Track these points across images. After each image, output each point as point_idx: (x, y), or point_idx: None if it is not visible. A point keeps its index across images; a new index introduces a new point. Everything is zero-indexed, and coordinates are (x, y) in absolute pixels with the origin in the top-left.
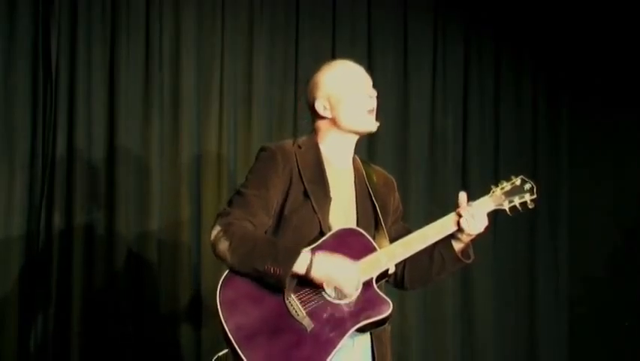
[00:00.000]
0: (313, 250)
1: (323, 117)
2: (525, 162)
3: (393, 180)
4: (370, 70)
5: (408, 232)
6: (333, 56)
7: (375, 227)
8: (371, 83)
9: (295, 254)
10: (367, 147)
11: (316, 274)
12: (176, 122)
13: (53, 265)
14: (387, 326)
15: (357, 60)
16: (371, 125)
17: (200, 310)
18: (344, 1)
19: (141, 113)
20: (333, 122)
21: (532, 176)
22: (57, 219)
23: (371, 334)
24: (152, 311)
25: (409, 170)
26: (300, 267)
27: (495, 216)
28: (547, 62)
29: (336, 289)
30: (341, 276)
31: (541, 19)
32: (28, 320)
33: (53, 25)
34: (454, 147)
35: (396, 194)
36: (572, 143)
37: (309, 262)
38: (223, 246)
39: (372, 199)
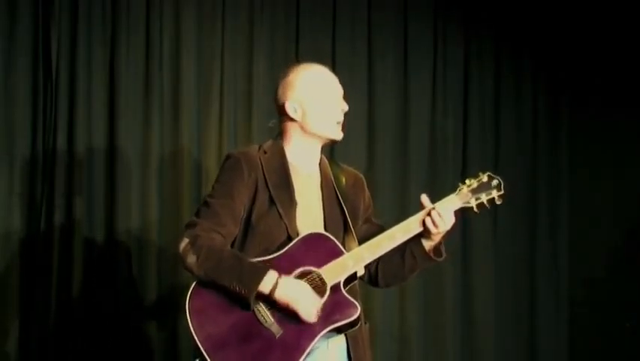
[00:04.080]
0: (280, 272)
1: (292, 119)
2: (525, 162)
3: (363, 179)
4: (370, 70)
5: (380, 229)
6: (334, 56)
7: (345, 230)
8: (342, 95)
9: (260, 274)
10: (367, 148)
11: (279, 297)
12: (176, 122)
13: (53, 265)
14: (364, 326)
15: (357, 60)
16: (337, 134)
17: None
18: (344, 1)
19: (141, 113)
20: (301, 125)
21: (532, 176)
22: (57, 219)
23: (346, 335)
24: (152, 311)
25: (409, 170)
26: (264, 287)
27: (495, 216)
28: (547, 62)
29: (291, 312)
30: (302, 305)
31: (541, 19)
32: (28, 320)
33: (53, 25)
34: (454, 147)
35: (367, 193)
36: (572, 143)
37: (275, 283)
38: (191, 260)
39: (340, 202)
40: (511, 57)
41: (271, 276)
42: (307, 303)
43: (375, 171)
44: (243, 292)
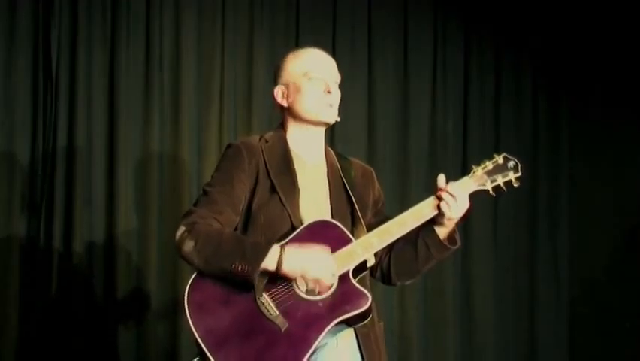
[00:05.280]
0: (283, 245)
1: (281, 106)
2: (525, 162)
3: (372, 171)
4: (370, 70)
5: None
6: (334, 56)
7: (353, 221)
8: (334, 77)
9: (264, 250)
10: (367, 147)
11: (288, 269)
12: (176, 123)
13: (53, 266)
14: (379, 324)
15: (357, 60)
16: (327, 116)
17: None
18: (344, 1)
19: (141, 113)
20: (291, 111)
21: (532, 176)
22: (57, 219)
23: (356, 333)
24: (153, 311)
25: (409, 170)
26: (269, 263)
27: (495, 216)
28: (547, 62)
29: (311, 282)
30: (315, 266)
31: (541, 19)
32: (28, 320)
33: (53, 25)
34: (454, 147)
35: (377, 185)
36: (572, 143)
37: (279, 256)
38: (188, 247)
39: (347, 192)
40: (511, 57)
41: (275, 250)
42: (321, 262)
43: (375, 171)
44: (245, 270)
